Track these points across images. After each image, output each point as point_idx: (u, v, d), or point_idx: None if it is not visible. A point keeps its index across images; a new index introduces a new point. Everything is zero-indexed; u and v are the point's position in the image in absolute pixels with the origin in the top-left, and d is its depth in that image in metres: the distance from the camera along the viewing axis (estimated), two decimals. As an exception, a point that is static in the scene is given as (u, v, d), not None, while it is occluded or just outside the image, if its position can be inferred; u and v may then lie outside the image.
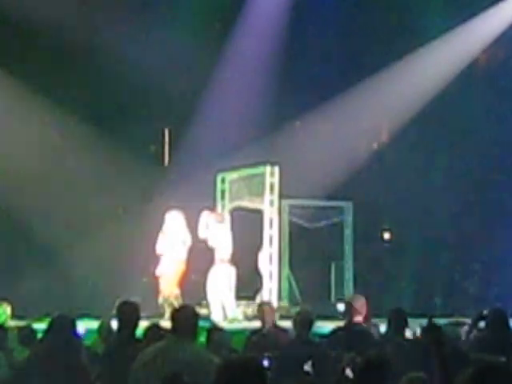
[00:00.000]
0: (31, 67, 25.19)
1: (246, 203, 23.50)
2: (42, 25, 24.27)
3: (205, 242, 21.11)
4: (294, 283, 23.69)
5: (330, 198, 25.30)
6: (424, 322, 11.14)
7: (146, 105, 26.26)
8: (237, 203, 23.61)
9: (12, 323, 15.44)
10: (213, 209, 22.66)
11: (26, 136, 24.35)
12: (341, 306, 18.50)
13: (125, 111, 25.90)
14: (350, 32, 25.83)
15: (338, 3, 25.93)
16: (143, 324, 11.28)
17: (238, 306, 21.14)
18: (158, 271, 20.87)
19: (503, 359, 10.37)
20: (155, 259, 21.14)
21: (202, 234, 20.83)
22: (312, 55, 25.98)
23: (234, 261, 21.06)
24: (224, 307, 20.62)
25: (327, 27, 25.56)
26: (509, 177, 26.26)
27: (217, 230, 21.05)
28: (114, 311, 14.27)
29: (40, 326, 13.24)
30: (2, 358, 12.06)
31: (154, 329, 10.86)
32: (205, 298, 21.24)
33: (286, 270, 23.86)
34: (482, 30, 25.66)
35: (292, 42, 25.45)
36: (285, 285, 23.61)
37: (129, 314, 10.89)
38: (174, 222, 20.99)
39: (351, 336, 12.23)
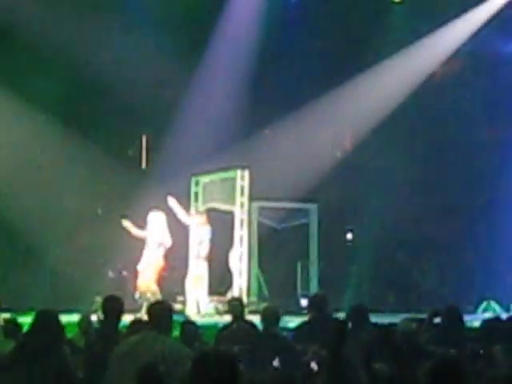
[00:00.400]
0: (10, 69, 25.14)
1: (219, 205, 23.71)
2: (23, 28, 24.55)
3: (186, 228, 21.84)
4: (262, 280, 23.96)
5: (296, 200, 25.57)
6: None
7: (124, 111, 26.11)
8: (210, 205, 23.70)
9: (-3, 317, 14.82)
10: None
11: (6, 138, 24.50)
12: (305, 302, 19.02)
13: (104, 117, 26.19)
14: (316, 46, 26.37)
15: (305, 19, 26.43)
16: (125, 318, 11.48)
17: (210, 301, 21.44)
18: (139, 267, 21.00)
19: (454, 352, 10.30)
20: (134, 256, 21.44)
21: (185, 220, 21.67)
22: (281, 68, 26.32)
23: (208, 259, 21.41)
24: (198, 302, 20.88)
25: (295, 42, 26.00)
26: (464, 182, 26.64)
27: (199, 229, 21.62)
28: (94, 306, 14.98)
29: (25, 319, 12.95)
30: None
31: (138, 323, 11.17)
32: (181, 293, 21.72)
33: (255, 268, 23.99)
34: (440, 45, 26.25)
35: (263, 56, 25.57)
36: (254, 282, 23.72)
37: (114, 308, 11.16)
38: (154, 222, 21.06)
39: (315, 329, 11.89)
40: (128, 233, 21.72)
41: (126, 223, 21.67)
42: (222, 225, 23.10)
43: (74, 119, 25.50)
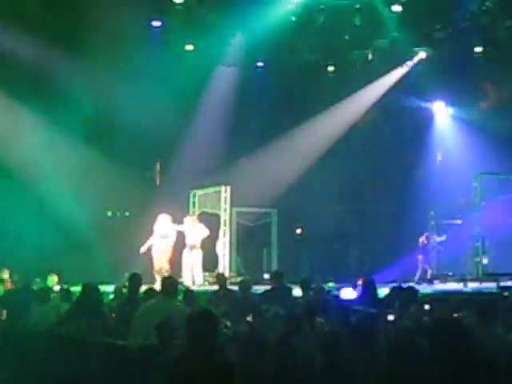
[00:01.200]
0: (48, 108, 22.90)
1: (209, 210, 24.17)
2: (59, 77, 22.60)
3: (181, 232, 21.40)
4: (239, 261, 24.51)
5: (263, 206, 25.88)
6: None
7: (144, 144, 24.85)
8: (203, 210, 24.26)
9: (57, 287, 15.39)
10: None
11: (53, 163, 23.09)
12: (267, 276, 19.19)
13: (129, 148, 24.59)
14: (275, 104, 25.50)
15: (266, 85, 25.21)
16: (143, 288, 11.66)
17: (203, 276, 21.33)
18: (154, 253, 20.74)
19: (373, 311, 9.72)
20: (150, 246, 21.04)
21: (182, 229, 21.01)
22: (251, 117, 25.65)
23: (202, 246, 21.38)
24: (193, 276, 20.71)
25: (260, 101, 25.18)
26: (375, 193, 26.84)
27: (195, 226, 21.29)
28: (123, 280, 14.58)
29: (76, 288, 12.94)
30: (51, 310, 11.76)
31: (150, 291, 11.25)
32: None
33: (234, 253, 24.35)
34: (360, 102, 26.06)
35: (239, 109, 25.10)
36: (233, 262, 24.10)
37: (135, 281, 11.37)
38: (163, 222, 20.89)
39: (275, 295, 12.24)
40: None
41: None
42: (211, 223, 23.02)
43: (104, 152, 23.98)
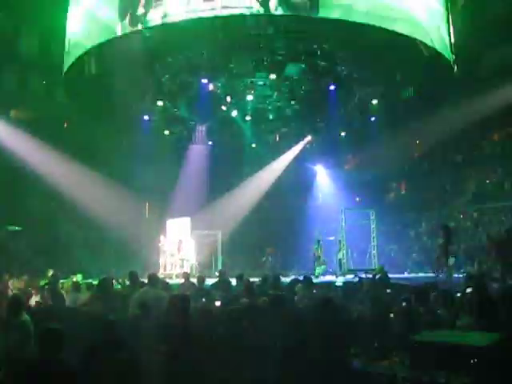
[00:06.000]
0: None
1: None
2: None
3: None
4: (197, 264, 20.92)
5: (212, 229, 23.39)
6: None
7: (138, 191, 23.56)
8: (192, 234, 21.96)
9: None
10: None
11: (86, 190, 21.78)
12: (217, 273, 18.43)
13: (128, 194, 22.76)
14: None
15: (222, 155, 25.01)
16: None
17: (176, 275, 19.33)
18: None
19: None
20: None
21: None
22: (218, 170, 24.90)
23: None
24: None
25: (224, 156, 24.53)
26: (283, 222, 26.08)
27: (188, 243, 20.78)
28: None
29: (95, 281, 12.10)
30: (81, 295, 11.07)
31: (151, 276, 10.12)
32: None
33: (194, 259, 21.23)
34: (277, 167, 26.18)
35: (213, 164, 24.93)
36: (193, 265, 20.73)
37: (134, 276, 10.71)
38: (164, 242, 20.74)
39: (220, 285, 11.86)
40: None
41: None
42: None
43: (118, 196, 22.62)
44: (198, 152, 25.77)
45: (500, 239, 15.56)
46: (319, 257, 20.65)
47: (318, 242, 20.95)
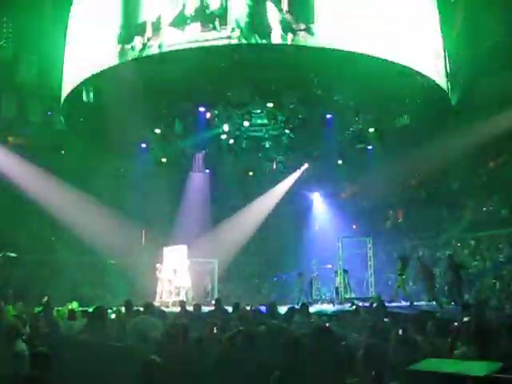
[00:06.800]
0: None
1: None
2: None
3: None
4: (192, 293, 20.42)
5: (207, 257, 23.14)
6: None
7: (135, 219, 23.54)
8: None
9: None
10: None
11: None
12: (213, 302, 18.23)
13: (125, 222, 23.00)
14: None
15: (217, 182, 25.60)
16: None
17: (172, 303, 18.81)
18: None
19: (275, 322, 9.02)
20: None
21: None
22: (215, 198, 25.64)
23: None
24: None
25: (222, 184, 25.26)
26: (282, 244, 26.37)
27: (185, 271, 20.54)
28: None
29: (90, 309, 11.97)
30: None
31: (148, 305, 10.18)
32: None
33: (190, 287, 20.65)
34: (277, 192, 26.40)
35: (210, 192, 25.38)
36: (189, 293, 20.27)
37: (129, 304, 10.74)
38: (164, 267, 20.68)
39: (217, 313, 11.78)
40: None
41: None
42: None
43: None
44: (195, 180, 25.84)
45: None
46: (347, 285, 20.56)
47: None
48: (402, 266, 17.75)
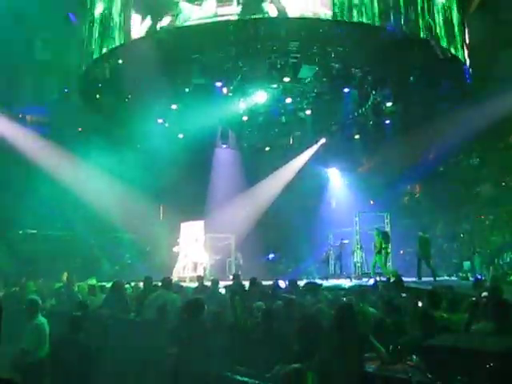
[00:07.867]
0: None
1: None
2: None
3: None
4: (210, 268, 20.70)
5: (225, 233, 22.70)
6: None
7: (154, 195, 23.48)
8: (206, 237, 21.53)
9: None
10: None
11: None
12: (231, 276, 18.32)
13: (147, 198, 22.82)
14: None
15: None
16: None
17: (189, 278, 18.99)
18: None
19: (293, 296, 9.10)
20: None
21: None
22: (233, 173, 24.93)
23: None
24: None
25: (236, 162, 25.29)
26: (298, 223, 25.18)
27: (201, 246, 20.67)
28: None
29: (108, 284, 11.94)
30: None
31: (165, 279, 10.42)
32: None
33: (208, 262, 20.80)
34: (293, 168, 26.15)
35: (227, 167, 24.94)
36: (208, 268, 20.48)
37: (148, 281, 11.19)
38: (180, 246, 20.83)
39: (235, 288, 11.68)
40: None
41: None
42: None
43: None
44: (211, 155, 25.74)
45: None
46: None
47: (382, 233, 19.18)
48: (381, 241, 17.66)
